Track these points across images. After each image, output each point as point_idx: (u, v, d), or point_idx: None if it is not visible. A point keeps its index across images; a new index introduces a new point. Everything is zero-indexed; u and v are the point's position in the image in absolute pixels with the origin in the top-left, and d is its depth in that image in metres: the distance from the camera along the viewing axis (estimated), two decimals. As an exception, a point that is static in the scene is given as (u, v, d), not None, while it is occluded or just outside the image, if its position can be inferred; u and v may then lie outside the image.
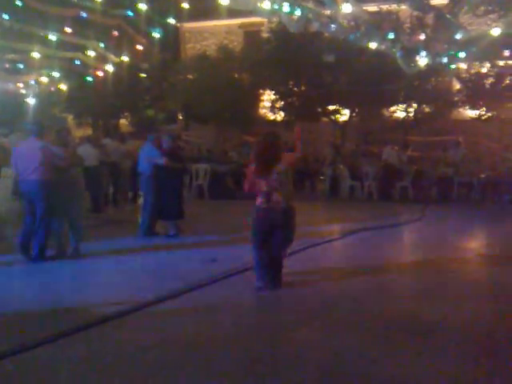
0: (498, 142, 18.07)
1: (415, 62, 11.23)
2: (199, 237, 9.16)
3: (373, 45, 11.15)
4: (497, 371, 4.01)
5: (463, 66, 15.71)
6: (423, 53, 9.57)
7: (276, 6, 8.99)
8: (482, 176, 14.30)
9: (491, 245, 9.09)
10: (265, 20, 24.67)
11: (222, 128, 22.87)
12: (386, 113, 19.13)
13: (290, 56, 17.30)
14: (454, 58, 9.83)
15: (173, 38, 23.71)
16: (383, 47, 9.88)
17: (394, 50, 10.93)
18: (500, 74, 16.13)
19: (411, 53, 10.08)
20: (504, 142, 17.45)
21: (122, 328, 4.81)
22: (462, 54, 9.77)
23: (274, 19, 18.23)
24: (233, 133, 23.24)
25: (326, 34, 17.46)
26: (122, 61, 15.62)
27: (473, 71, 16.57)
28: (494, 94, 16.32)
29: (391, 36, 9.69)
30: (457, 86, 19.07)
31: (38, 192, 7.03)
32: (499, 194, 14.23)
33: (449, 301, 5.71)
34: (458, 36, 8.77)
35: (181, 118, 26.31)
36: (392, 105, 18.58)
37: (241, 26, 26.31)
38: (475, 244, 9.62)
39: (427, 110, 17.40)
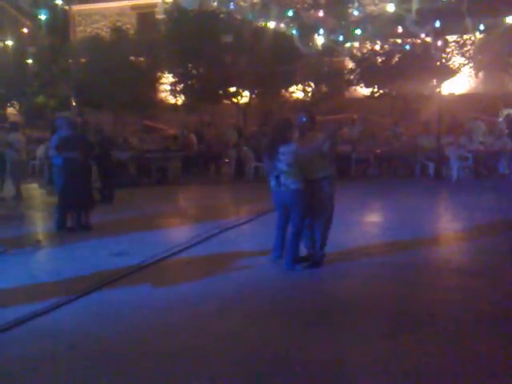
0: (389, 118, 18.98)
1: (312, 40, 11.45)
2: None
3: (271, 24, 11.23)
4: (410, 346, 4.21)
5: (356, 44, 16.25)
6: (320, 31, 9.73)
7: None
8: (378, 151, 14.97)
9: (393, 217, 9.59)
10: (158, 1, 24.21)
11: (119, 113, 22.06)
12: (285, 93, 19.38)
13: (187, 37, 16.96)
14: (349, 36, 10.09)
15: (61, 21, 22.41)
16: (282, 26, 9.91)
17: (291, 28, 11.04)
18: (390, 52, 16.85)
19: (308, 31, 10.23)
20: (394, 117, 18.36)
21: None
22: (358, 31, 10.06)
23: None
24: (131, 118, 22.54)
25: (223, 15, 17.48)
26: (7, 45, 14.44)
27: (365, 50, 17.18)
28: (386, 71, 17.04)
29: (290, 13, 9.74)
30: (350, 65, 19.75)
31: None
32: (394, 168, 14.99)
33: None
34: (355, 13, 8.99)
35: (74, 103, 25.06)
36: (290, 85, 18.86)
37: (133, 7, 25.47)
38: (377, 218, 10.10)
39: (324, 89, 17.85)
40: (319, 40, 11.33)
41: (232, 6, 9.40)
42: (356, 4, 9.45)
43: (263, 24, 11.19)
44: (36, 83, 19.18)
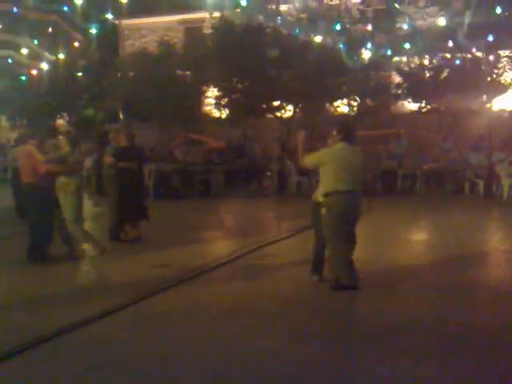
0: (437, 134, 18.54)
1: (359, 55, 11.30)
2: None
3: (318, 38, 11.14)
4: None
5: (403, 59, 16.00)
6: (368, 45, 9.58)
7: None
8: (425, 168, 14.60)
9: (442, 235, 9.27)
10: (206, 16, 24.52)
11: (164, 126, 22.39)
12: (329, 108, 19.21)
13: (233, 52, 17.08)
14: (398, 50, 9.90)
15: (111, 36, 23.01)
16: (328, 40, 9.81)
17: (338, 42, 10.91)
18: (439, 67, 16.50)
19: (355, 45, 10.09)
20: (442, 133, 17.92)
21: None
22: (406, 45, 9.86)
23: (217, 14, 18.10)
24: (176, 131, 22.82)
25: (269, 29, 17.54)
26: (58, 58, 14.89)
27: (413, 64, 16.88)
28: (434, 86, 16.69)
29: (337, 27, 9.63)
30: (397, 79, 19.44)
31: None
32: (442, 185, 14.57)
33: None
34: (405, 26, 8.81)
35: (121, 116, 25.61)
36: (335, 99, 18.69)
37: (180, 22, 25.94)
38: (425, 235, 9.79)
39: (370, 103, 17.61)
40: (366, 54, 11.14)
41: (279, 21, 9.36)
42: (406, 18, 9.23)
43: (310, 38, 11.07)
44: (86, 96, 19.66)
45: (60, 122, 26.29)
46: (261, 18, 9.60)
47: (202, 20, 25.10)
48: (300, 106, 19.46)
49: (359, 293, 5.75)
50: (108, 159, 8.60)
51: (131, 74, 19.56)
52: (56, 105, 20.60)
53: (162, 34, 25.74)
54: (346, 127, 6.22)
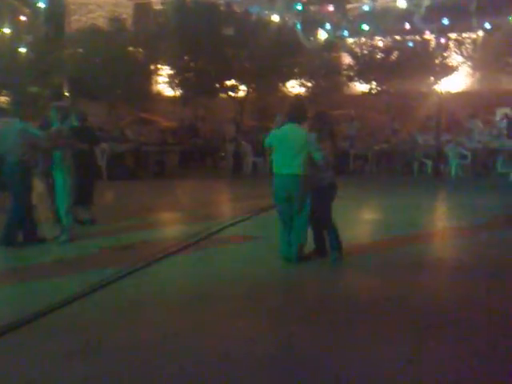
0: (386, 115, 18.97)
1: (315, 35, 11.35)
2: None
3: (275, 17, 11.10)
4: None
5: (354, 40, 16.19)
6: (326, 25, 9.63)
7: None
8: (377, 148, 14.96)
9: (393, 215, 9.57)
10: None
11: (113, 104, 21.83)
12: (283, 88, 19.25)
13: (185, 29, 16.79)
14: (354, 31, 10.01)
15: (56, 10, 22.06)
16: (287, 20, 9.80)
17: (296, 22, 10.91)
18: (389, 48, 16.82)
19: (313, 25, 10.13)
20: (391, 114, 18.34)
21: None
22: (365, 27, 9.96)
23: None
24: (126, 110, 22.32)
25: (223, 7, 17.32)
26: (3, 33, 14.18)
27: (364, 46, 17.11)
28: (384, 68, 17.01)
29: (299, 7, 9.61)
30: (347, 60, 19.68)
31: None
32: (393, 166, 14.98)
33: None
34: (365, 7, 8.90)
35: (67, 94, 24.77)
36: (288, 80, 18.75)
37: (130, -2, 25.21)
38: (377, 215, 10.08)
39: (323, 84, 17.77)
40: (322, 35, 11.21)
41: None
42: (367, -1, 9.33)
43: (267, 17, 11.03)
44: (30, 73, 18.86)
45: (2, 99, 25.21)
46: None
47: (152, -4, 24.57)
48: (253, 86, 19.44)
49: (324, 270, 5.94)
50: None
51: (80, 50, 18.88)
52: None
53: (111, 10, 24.96)
54: (292, 107, 6.35)
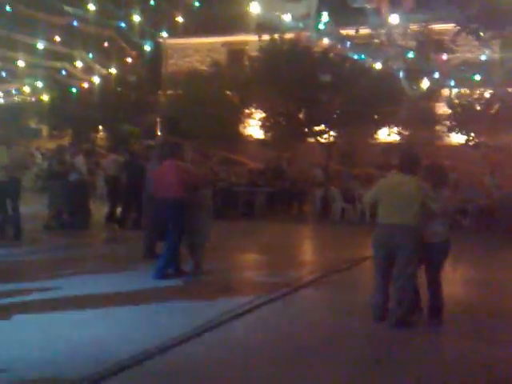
0: (481, 169, 18.13)
1: (419, 83, 11.09)
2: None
3: (378, 65, 10.96)
4: None
5: (455, 90, 15.75)
6: (435, 74, 9.35)
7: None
8: (480, 202, 14.13)
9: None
10: (249, 39, 24.73)
11: (203, 144, 22.41)
12: (374, 135, 18.98)
13: (279, 74, 17.04)
14: (463, 81, 9.66)
15: (155, 54, 23.27)
16: (393, 67, 9.61)
17: (399, 69, 10.69)
18: (490, 100, 16.21)
19: (420, 74, 9.86)
20: (490, 167, 17.49)
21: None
22: (477, 77, 9.60)
23: (265, 37, 18.16)
24: (213, 150, 22.84)
25: (317, 54, 17.47)
26: (110, 73, 15.01)
27: (464, 97, 16.62)
28: (484, 120, 16.38)
29: (410, 55, 9.41)
30: (441, 110, 19.14)
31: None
32: (495, 222, 14.00)
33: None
34: (483, 57, 8.56)
35: (159, 133, 25.76)
36: (380, 127, 18.47)
37: (224, 44, 26.15)
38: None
39: (421, 134, 17.33)
40: (425, 83, 10.93)
41: (348, 44, 9.23)
42: (486, 50, 8.99)
43: (370, 64, 10.91)
44: (131, 111, 19.83)
45: (100, 135, 26.62)
46: (326, 40, 9.42)
47: (246, 43, 25.37)
48: (343, 131, 19.28)
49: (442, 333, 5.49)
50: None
51: (177, 91, 19.66)
52: (100, 118, 20.81)
53: (205, 55, 26.02)
54: (405, 157, 6.01)
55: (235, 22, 24.04)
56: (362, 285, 7.60)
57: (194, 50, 26.81)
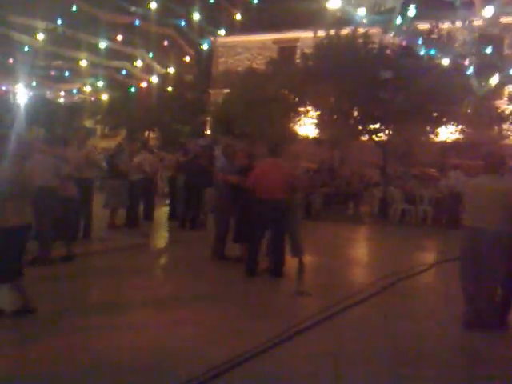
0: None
1: (488, 80, 10.62)
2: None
3: (445, 61, 10.55)
4: None
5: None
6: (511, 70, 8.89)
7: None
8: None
9: None
10: (301, 35, 24.45)
11: (255, 144, 22.29)
12: (432, 134, 18.38)
13: (336, 71, 16.68)
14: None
15: (207, 52, 23.28)
16: (465, 63, 9.19)
17: (470, 66, 10.25)
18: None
19: (492, 70, 9.41)
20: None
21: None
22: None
23: (322, 33, 17.84)
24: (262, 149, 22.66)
25: (375, 51, 17.03)
26: (168, 72, 15.05)
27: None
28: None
29: (488, 50, 8.99)
30: (503, 107, 18.35)
31: None
32: None
33: None
34: None
35: (209, 132, 25.75)
36: (439, 125, 17.86)
37: (275, 41, 25.94)
38: None
39: (484, 132, 16.68)
40: (493, 79, 10.43)
41: (420, 40, 8.89)
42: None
43: (437, 60, 10.50)
44: (188, 111, 19.87)
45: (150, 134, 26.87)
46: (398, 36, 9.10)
47: (297, 40, 25.10)
48: (400, 129, 18.76)
49: None
50: (231, 178, 8.24)
51: (232, 90, 19.58)
52: (155, 118, 20.95)
53: (256, 53, 25.89)
54: (491, 158, 5.70)
55: (287, 18, 23.96)
56: (439, 290, 7.35)
57: (244, 48, 26.70)
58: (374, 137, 19.60)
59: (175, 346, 4.64)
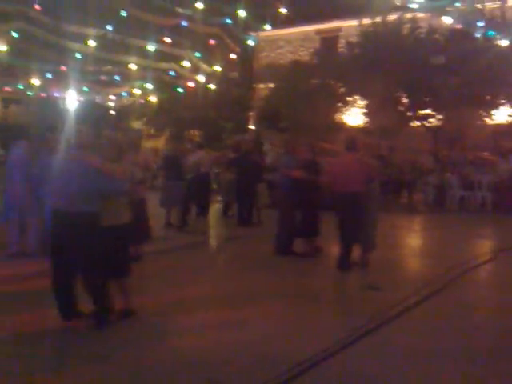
0: None
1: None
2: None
3: (504, 42, 10.18)
4: None
5: None
6: None
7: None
8: None
9: None
10: (342, 25, 24.13)
11: (299, 136, 22.11)
12: (484, 117, 17.84)
13: (384, 59, 16.39)
14: None
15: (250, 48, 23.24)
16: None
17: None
18: None
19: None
20: None
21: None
22: None
23: (366, 21, 17.57)
24: (306, 140, 22.46)
25: (423, 35, 16.61)
26: (215, 71, 15.11)
27: None
28: None
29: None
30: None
31: None
32: None
33: None
34: None
35: (252, 127, 25.72)
36: (493, 109, 17.31)
37: (318, 32, 25.65)
38: None
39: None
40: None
41: (479, 23, 8.60)
42: None
43: (494, 41, 10.13)
44: (234, 108, 19.93)
45: (193, 131, 27.09)
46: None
47: (339, 29, 24.77)
48: (452, 114, 18.28)
49: None
50: (297, 173, 8.23)
51: (277, 84, 19.50)
52: (202, 117, 21.09)
53: (298, 45, 25.66)
54: None
55: (328, 8, 23.66)
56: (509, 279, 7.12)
57: (285, 41, 26.50)
58: (424, 123, 19.22)
59: (256, 342, 4.65)
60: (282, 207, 8.42)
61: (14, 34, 12.47)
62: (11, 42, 12.54)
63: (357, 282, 6.89)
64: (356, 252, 7.42)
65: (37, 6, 11.70)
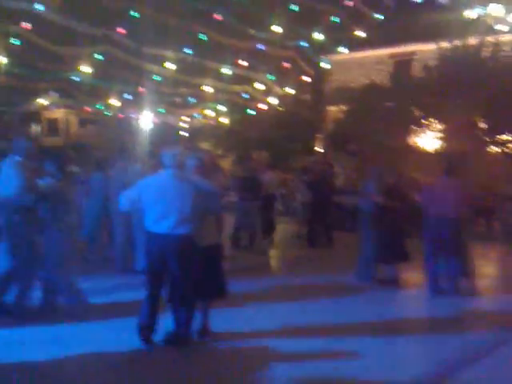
0: None
1: None
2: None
3: None
4: None
5: None
6: None
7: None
8: None
9: None
10: (418, 48, 23.64)
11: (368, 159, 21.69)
12: None
13: (463, 82, 15.83)
14: None
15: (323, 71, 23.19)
16: None
17: None
18: None
19: None
20: None
21: None
22: None
23: (445, 45, 17.10)
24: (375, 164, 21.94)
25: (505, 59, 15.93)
26: (287, 93, 15.12)
27: None
28: None
29: None
30: None
31: None
32: None
33: None
34: None
35: (319, 149, 25.45)
36: None
37: (391, 55, 25.19)
38: None
39: None
40: None
41: None
42: None
43: None
44: (304, 130, 19.88)
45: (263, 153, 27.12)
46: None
47: (413, 53, 24.27)
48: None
49: None
50: (377, 197, 8.00)
51: (350, 107, 19.29)
52: (271, 138, 21.13)
53: (371, 68, 25.26)
54: None
55: (403, 32, 23.29)
56: None
57: (358, 64, 26.18)
58: (503, 148, 18.40)
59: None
60: (366, 233, 8.21)
61: (99, 57, 13.02)
62: (95, 65, 13.10)
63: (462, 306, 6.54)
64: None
65: (121, 30, 12.18)
